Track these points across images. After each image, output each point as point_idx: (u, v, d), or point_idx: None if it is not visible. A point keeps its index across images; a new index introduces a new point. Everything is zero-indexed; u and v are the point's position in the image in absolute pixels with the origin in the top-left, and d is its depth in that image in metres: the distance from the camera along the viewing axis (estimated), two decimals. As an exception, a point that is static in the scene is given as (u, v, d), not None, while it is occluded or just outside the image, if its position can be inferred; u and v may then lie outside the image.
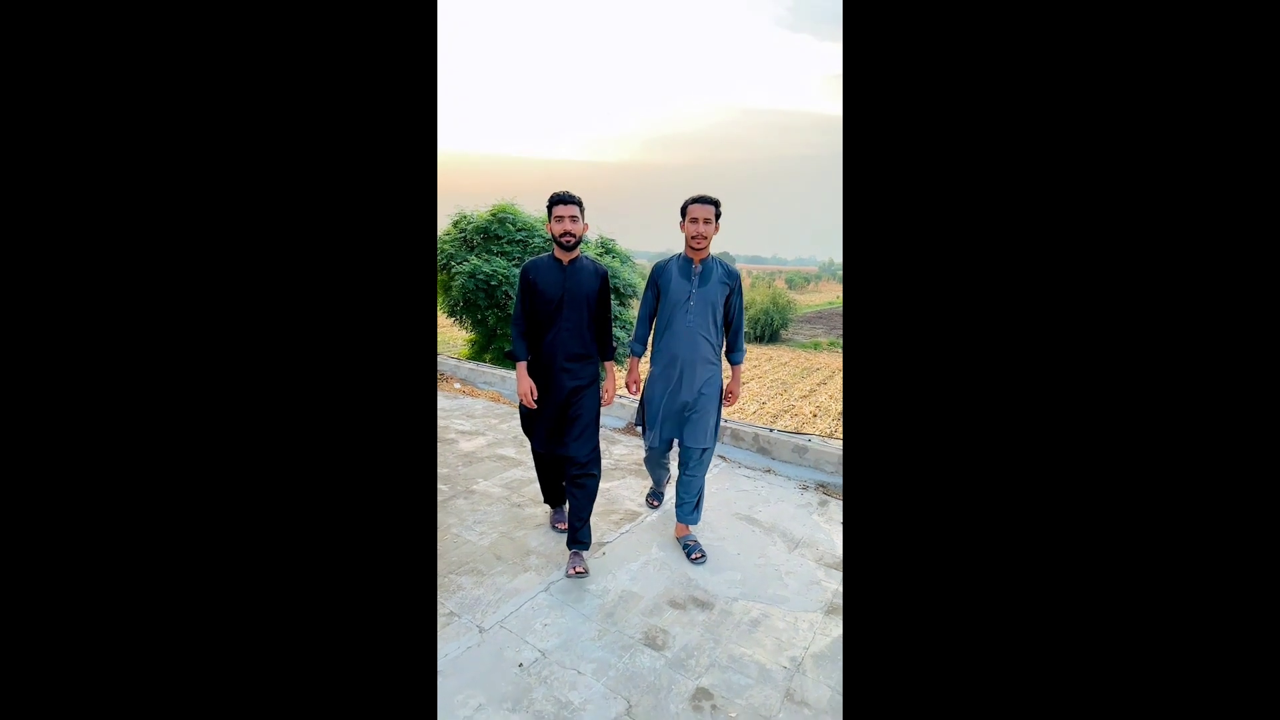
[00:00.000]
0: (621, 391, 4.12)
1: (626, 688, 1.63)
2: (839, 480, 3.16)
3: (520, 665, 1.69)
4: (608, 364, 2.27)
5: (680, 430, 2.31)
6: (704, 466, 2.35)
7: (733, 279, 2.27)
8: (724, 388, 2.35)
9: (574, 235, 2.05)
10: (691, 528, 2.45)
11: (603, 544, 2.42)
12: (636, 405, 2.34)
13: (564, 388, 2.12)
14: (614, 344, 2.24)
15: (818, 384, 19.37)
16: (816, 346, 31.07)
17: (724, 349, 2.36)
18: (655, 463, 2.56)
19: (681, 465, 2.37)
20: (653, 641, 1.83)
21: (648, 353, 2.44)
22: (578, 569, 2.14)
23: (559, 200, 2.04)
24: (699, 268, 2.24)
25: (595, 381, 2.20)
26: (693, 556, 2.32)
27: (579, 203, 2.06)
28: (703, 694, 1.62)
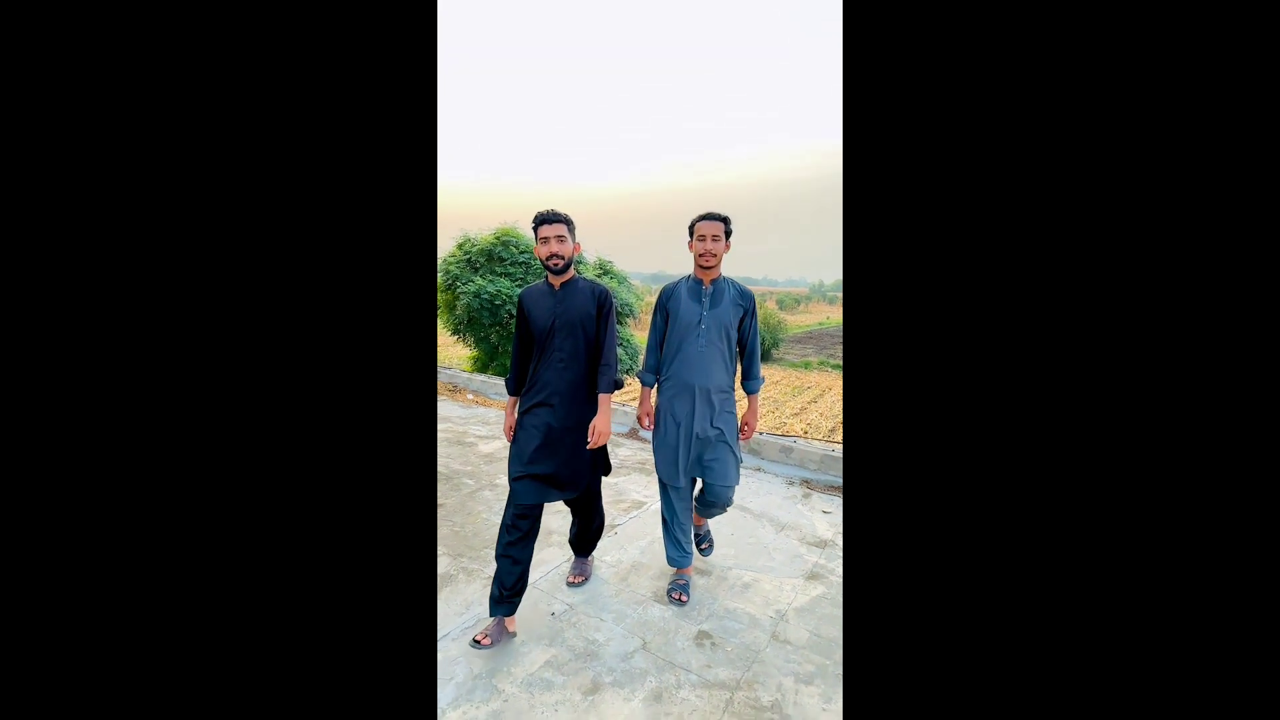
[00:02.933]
0: (621, 402, 4.41)
1: (641, 630, 1.98)
2: (820, 477, 3.54)
3: (553, 614, 2.04)
4: (600, 397, 1.93)
5: (702, 469, 2.11)
6: (730, 498, 2.19)
7: (746, 300, 2.11)
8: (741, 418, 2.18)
9: (562, 257, 1.86)
10: (707, 521, 2.46)
11: (614, 526, 2.77)
12: (636, 416, 2.14)
13: (558, 427, 1.89)
14: (614, 374, 1.94)
15: (809, 402, 19.81)
16: (807, 366, 31.61)
17: (740, 377, 2.21)
18: (673, 524, 2.18)
19: (713, 503, 2.22)
20: (661, 599, 2.18)
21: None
22: (577, 577, 2.23)
23: (544, 220, 1.86)
24: (709, 288, 2.08)
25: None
26: (701, 546, 2.42)
27: (566, 221, 1.87)
28: (704, 635, 1.97)
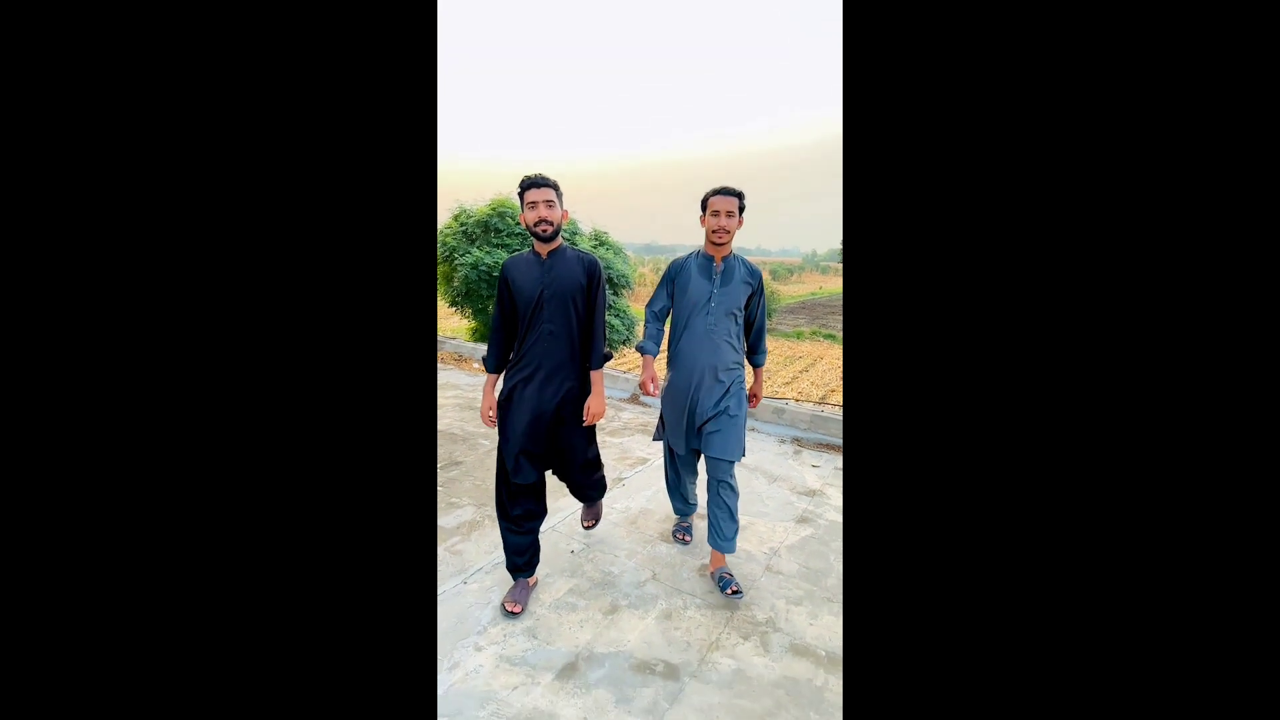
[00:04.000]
0: (623, 370, 4.59)
1: (651, 564, 2.24)
2: (809, 435, 3.80)
3: (572, 551, 2.30)
4: (594, 374, 1.86)
5: (705, 441, 2.06)
6: (734, 481, 2.09)
7: (755, 279, 2.10)
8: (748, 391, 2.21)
9: (551, 223, 1.75)
10: (728, 557, 2.24)
11: (621, 479, 3.02)
12: (639, 383, 2.07)
13: (548, 403, 1.82)
14: (606, 348, 1.89)
15: (800, 371, 20.09)
16: (799, 335, 31.85)
17: (745, 351, 2.21)
18: (678, 484, 2.36)
19: (711, 482, 2.10)
20: (667, 539, 2.45)
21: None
22: (589, 520, 2.21)
23: (531, 184, 1.75)
24: (720, 266, 2.05)
25: (588, 393, 1.90)
26: (728, 591, 2.02)
27: (555, 186, 1.77)
28: (706, 567, 2.24)
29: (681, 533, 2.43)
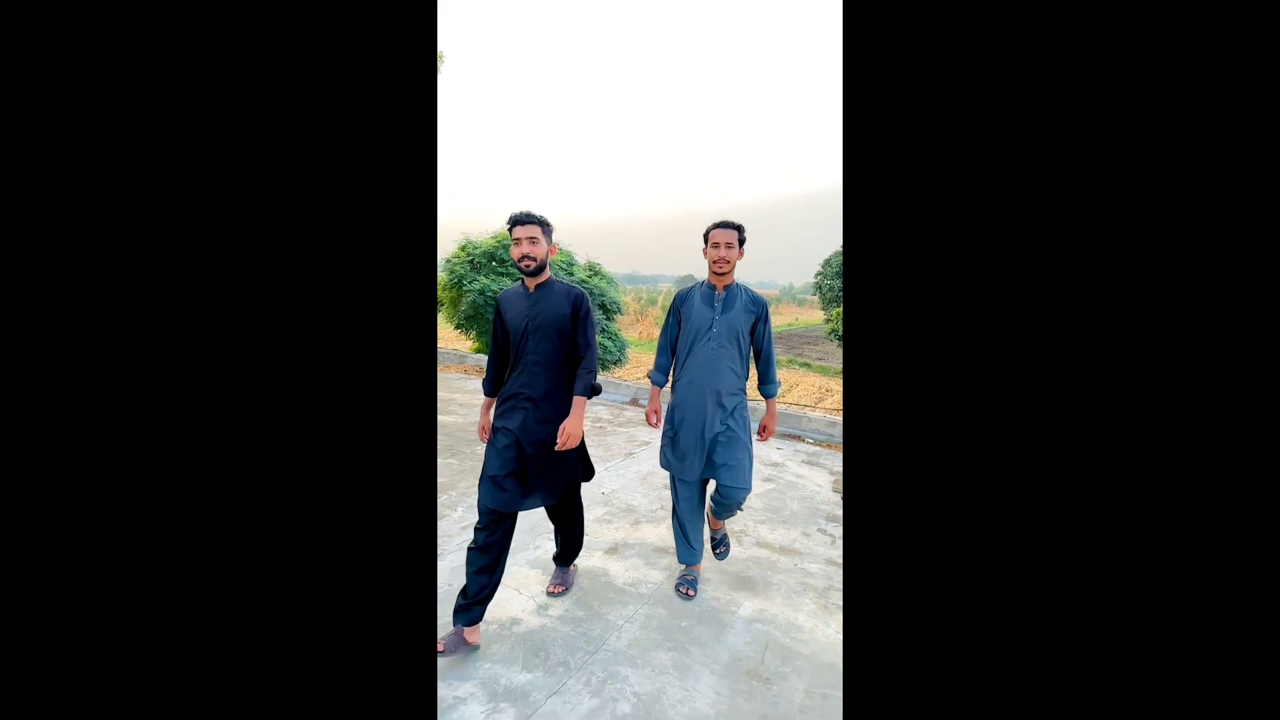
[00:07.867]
0: (620, 378, 5.43)
1: (660, 502, 3.16)
2: (775, 428, 4.78)
3: (603, 493, 3.20)
4: (576, 399, 1.89)
5: (713, 470, 2.14)
6: (742, 499, 2.19)
7: (758, 307, 2.16)
8: (754, 422, 2.48)
9: (534, 259, 1.83)
10: (724, 525, 2.47)
11: (631, 454, 3.94)
12: (645, 413, 2.27)
13: (533, 431, 1.84)
14: (593, 379, 1.90)
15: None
16: (777, 364, 33.06)
17: (756, 381, 2.27)
18: (684, 526, 2.24)
19: (719, 498, 2.22)
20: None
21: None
22: (557, 587, 2.13)
23: (517, 221, 1.83)
24: (722, 294, 2.16)
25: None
26: (717, 550, 2.42)
27: (541, 223, 1.84)
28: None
29: (686, 586, 2.24)
